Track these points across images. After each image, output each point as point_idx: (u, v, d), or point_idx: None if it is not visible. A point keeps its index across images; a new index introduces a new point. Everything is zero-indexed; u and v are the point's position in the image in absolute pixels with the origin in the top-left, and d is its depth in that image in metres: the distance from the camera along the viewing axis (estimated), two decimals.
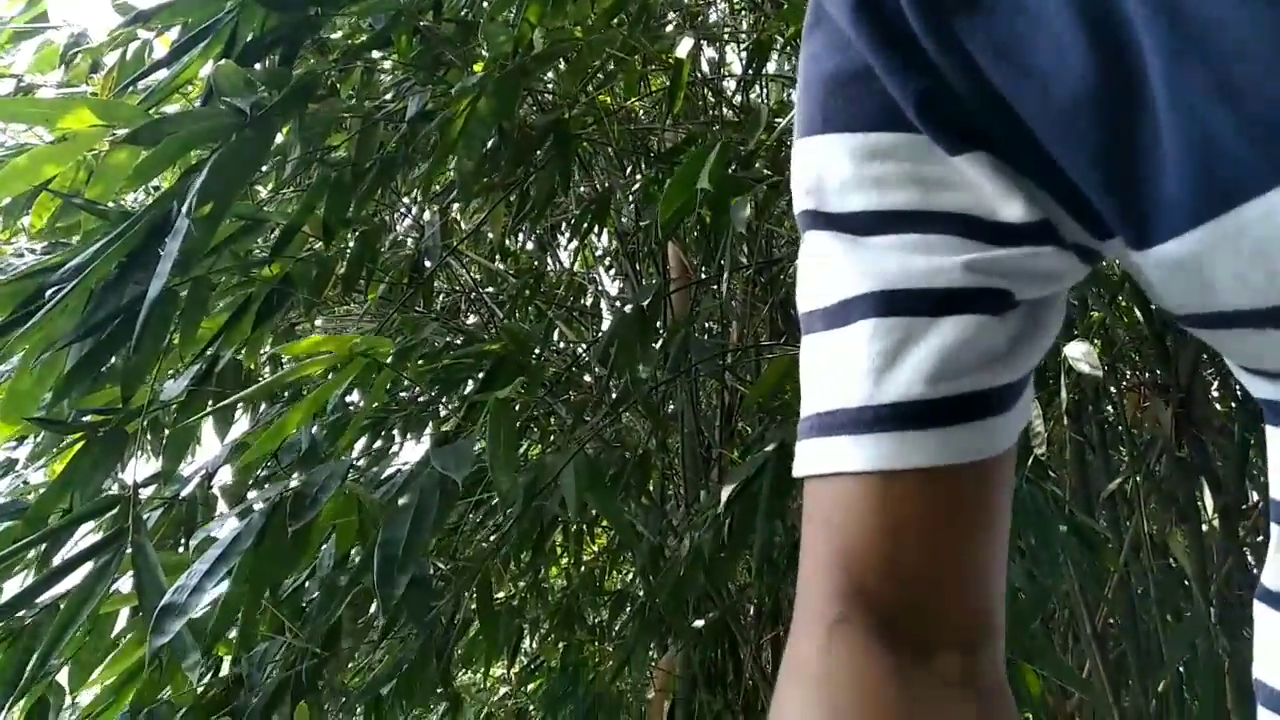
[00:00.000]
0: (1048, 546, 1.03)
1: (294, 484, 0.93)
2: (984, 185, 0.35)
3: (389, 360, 0.99)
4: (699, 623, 1.48)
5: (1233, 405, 1.72)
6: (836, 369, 0.36)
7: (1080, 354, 1.25)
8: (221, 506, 1.30)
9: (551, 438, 2.08)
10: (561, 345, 2.40)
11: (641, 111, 2.11)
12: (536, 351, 2.00)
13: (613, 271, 2.56)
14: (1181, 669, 1.61)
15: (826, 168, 0.37)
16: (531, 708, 2.41)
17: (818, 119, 0.38)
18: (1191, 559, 1.61)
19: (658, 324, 1.74)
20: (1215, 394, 1.85)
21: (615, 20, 1.65)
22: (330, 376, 1.02)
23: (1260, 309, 0.31)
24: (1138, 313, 1.74)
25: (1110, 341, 1.80)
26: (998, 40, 0.33)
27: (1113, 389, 1.89)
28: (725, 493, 1.03)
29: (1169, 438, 1.56)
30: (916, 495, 0.35)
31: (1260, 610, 0.41)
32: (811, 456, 0.37)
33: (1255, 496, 1.71)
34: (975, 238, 0.35)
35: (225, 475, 1.34)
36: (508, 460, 0.97)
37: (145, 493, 1.11)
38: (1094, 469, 1.80)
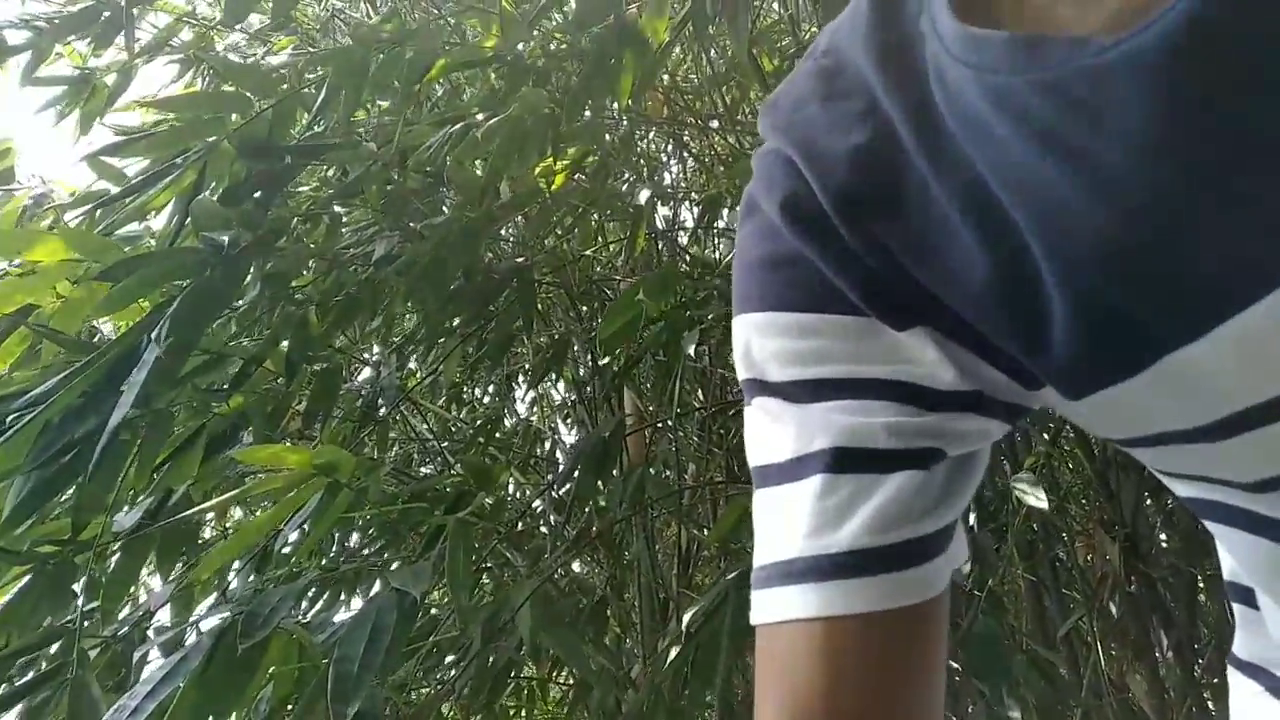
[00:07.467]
0: (1004, 675, 1.03)
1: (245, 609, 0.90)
2: (926, 356, 0.39)
3: (350, 479, 0.99)
4: None
5: (1178, 542, 1.76)
6: (790, 521, 0.39)
7: (1026, 486, 1.29)
8: (155, 652, 1.25)
9: (505, 589, 2.02)
10: (515, 495, 2.38)
11: (597, 264, 2.19)
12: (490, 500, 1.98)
13: (569, 420, 2.57)
14: None
15: (760, 342, 0.41)
16: None
17: (754, 297, 0.42)
18: (1150, 700, 1.60)
19: (614, 466, 1.75)
20: (1161, 534, 1.89)
21: (576, 175, 1.75)
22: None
23: (1192, 428, 0.36)
24: (1079, 454, 1.79)
25: (1056, 483, 1.84)
26: (911, 244, 0.37)
27: (1062, 531, 1.92)
28: (687, 619, 1.02)
29: (1118, 574, 1.59)
30: (858, 639, 0.38)
31: (1231, 674, 0.45)
32: (766, 605, 0.40)
33: (1206, 633, 1.72)
34: (910, 403, 0.39)
35: (164, 616, 1.29)
36: (466, 579, 0.95)
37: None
38: (1050, 610, 1.80)
